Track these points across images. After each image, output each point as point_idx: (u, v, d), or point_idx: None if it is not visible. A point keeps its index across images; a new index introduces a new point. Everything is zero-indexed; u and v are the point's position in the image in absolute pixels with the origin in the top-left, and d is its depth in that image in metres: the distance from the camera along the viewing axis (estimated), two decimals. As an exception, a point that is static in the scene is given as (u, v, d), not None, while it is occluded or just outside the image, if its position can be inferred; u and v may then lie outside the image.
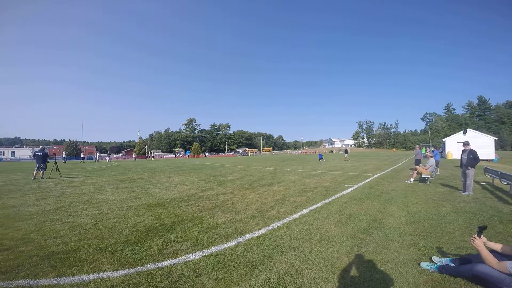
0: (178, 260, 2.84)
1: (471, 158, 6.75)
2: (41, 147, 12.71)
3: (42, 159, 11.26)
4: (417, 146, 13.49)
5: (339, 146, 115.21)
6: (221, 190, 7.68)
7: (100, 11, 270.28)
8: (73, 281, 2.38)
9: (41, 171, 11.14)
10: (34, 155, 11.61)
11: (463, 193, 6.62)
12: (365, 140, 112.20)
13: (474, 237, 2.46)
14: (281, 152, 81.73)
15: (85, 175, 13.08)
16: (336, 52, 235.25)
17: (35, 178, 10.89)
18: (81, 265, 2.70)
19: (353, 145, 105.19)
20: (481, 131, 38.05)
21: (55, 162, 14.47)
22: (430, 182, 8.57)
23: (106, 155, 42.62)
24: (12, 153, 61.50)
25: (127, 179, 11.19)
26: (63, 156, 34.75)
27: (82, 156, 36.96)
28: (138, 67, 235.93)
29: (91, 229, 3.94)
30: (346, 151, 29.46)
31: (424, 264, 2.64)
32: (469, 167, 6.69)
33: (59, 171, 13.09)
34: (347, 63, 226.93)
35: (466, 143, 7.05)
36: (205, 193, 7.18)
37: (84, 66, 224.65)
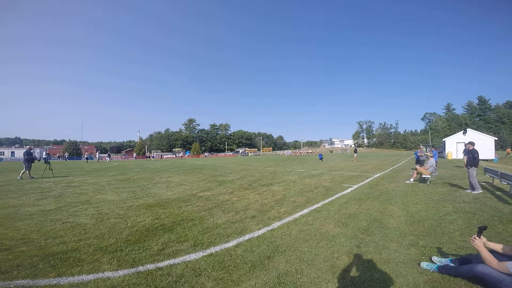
0: (178, 260, 2.84)
1: (470, 157, 6.88)
2: (27, 147, 12.82)
3: (28, 160, 11.51)
4: (422, 146, 13.55)
5: (339, 146, 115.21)
6: (221, 190, 7.68)
7: (100, 9, 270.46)
8: (73, 281, 2.38)
9: (27, 170, 11.44)
10: (24, 155, 11.79)
11: (473, 192, 6.67)
12: (365, 140, 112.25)
13: (474, 238, 2.46)
14: (279, 152, 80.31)
15: (85, 175, 13.08)
16: (336, 51, 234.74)
17: (32, 177, 11.24)
18: (81, 265, 2.70)
19: (353, 145, 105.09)
20: (481, 131, 38.11)
21: (49, 162, 14.98)
22: (430, 182, 8.57)
23: (106, 155, 42.84)
24: (12, 153, 61.39)
25: (127, 179, 11.19)
26: (44, 156, 33.82)
27: (86, 156, 39.66)
28: (138, 67, 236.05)
29: (91, 229, 3.94)
30: (355, 151, 27.86)
31: (424, 264, 2.64)
32: (468, 167, 6.82)
33: (46, 170, 13.53)
34: (347, 62, 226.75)
35: (471, 143, 7.13)
36: (205, 193, 7.18)
37: (84, 65, 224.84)
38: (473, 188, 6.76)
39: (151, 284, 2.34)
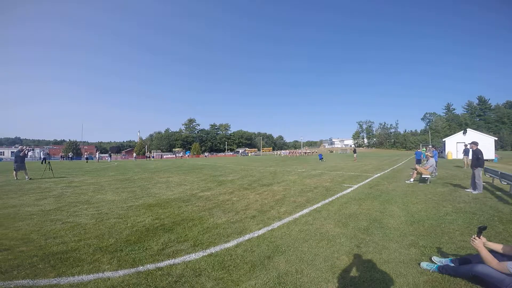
0: (178, 260, 2.84)
1: (473, 158, 6.87)
2: (19, 147, 12.71)
3: (21, 159, 11.41)
4: (431, 146, 13.59)
5: (339, 146, 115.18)
6: (221, 190, 7.68)
7: (100, 10, 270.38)
8: (73, 281, 2.38)
9: (23, 171, 11.25)
10: (15, 156, 11.68)
11: (473, 192, 6.68)
12: (365, 140, 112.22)
13: (474, 238, 2.46)
14: (275, 153, 78.66)
15: (85, 175, 13.08)
16: (336, 51, 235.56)
17: (29, 178, 10.99)
18: (81, 265, 2.70)
19: (353, 145, 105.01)
20: (481, 131, 38.13)
21: (49, 162, 15.13)
22: (430, 182, 8.57)
23: (107, 155, 42.89)
24: (12, 153, 61.30)
25: (127, 179, 11.19)
26: (42, 156, 32.25)
27: (86, 156, 39.45)
28: (138, 67, 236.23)
29: (91, 229, 3.94)
30: (354, 151, 27.85)
31: (424, 264, 2.64)
32: (474, 167, 6.84)
33: (46, 171, 13.50)
34: (347, 62, 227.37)
35: (474, 143, 7.14)
36: (205, 193, 7.18)
37: (84, 65, 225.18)
38: (474, 188, 6.76)
39: (151, 284, 2.34)
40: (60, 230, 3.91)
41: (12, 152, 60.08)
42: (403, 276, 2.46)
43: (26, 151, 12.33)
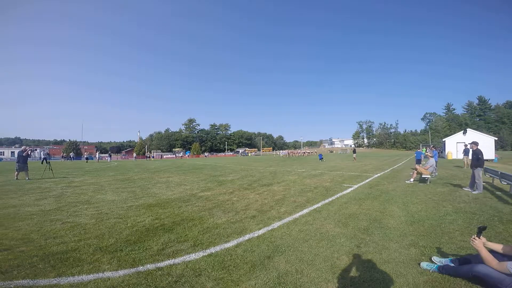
0: (178, 260, 2.84)
1: (473, 158, 6.88)
2: (22, 148, 12.61)
3: (24, 160, 11.32)
4: (432, 145, 13.64)
5: (339, 146, 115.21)
6: (221, 190, 7.68)
7: (100, 9, 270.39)
8: (73, 281, 2.38)
9: (24, 172, 11.17)
10: (18, 156, 11.59)
11: (473, 192, 6.68)
12: (365, 140, 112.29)
13: (474, 238, 2.46)
14: (274, 153, 76.61)
15: (85, 175, 13.08)
16: (336, 51, 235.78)
17: (28, 179, 10.87)
18: (81, 265, 2.70)
19: (353, 145, 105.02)
20: (481, 131, 38.18)
21: (49, 162, 14.98)
22: (430, 182, 8.57)
23: (107, 155, 42.89)
24: (12, 153, 61.23)
25: (127, 179, 11.19)
26: (42, 156, 31.77)
27: (86, 156, 39.28)
28: (138, 67, 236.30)
29: (91, 229, 3.94)
30: (354, 151, 27.70)
31: (424, 264, 2.64)
32: (473, 168, 6.86)
33: (46, 171, 13.52)
34: (347, 62, 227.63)
35: (474, 143, 7.15)
36: (205, 193, 7.18)
37: (84, 65, 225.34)
38: (473, 188, 6.76)
39: (151, 284, 2.34)
40: (60, 230, 3.91)
41: (12, 152, 60.13)
42: (403, 276, 2.46)
43: (29, 151, 12.24)
